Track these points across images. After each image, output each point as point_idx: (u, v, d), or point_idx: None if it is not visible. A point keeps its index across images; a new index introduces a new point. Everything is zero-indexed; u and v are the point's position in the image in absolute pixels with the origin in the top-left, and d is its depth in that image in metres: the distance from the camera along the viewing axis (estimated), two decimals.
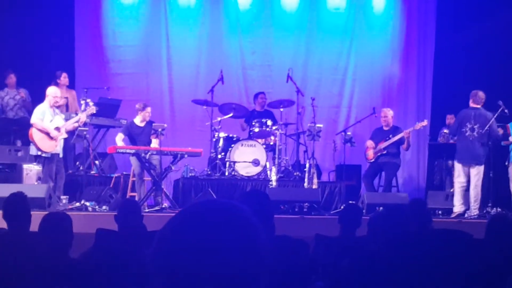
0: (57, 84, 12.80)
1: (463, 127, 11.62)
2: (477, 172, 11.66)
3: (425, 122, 12.98)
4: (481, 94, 11.74)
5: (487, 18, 14.58)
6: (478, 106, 11.70)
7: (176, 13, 15.27)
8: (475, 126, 11.52)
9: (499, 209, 11.98)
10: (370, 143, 13.08)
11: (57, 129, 11.39)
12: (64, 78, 13.35)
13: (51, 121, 11.40)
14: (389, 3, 15.68)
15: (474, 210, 11.58)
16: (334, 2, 15.52)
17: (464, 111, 11.78)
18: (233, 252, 1.72)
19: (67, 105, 13.16)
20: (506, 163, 12.69)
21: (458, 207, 11.58)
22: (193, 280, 1.69)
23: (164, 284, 1.74)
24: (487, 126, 11.55)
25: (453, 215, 11.53)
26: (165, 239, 1.78)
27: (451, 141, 12.72)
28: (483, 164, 11.75)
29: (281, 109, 13.66)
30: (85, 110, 11.81)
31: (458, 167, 11.80)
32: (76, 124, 11.69)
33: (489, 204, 12.27)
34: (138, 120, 12.43)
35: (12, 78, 13.34)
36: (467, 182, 11.71)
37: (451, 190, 12.43)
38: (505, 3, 14.59)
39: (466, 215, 11.59)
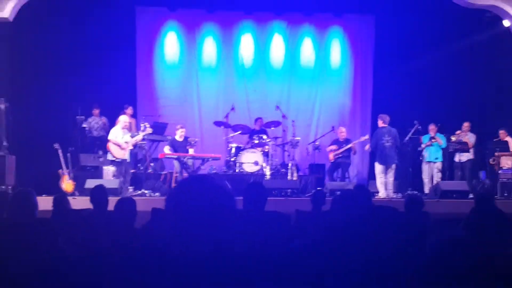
0: (124, 113, 12.87)
1: (381, 140, 11.62)
2: (393, 168, 11.72)
3: (366, 136, 12.97)
4: (387, 117, 11.86)
5: (413, 60, 14.61)
6: (387, 125, 11.75)
7: (202, 68, 15.29)
8: (389, 139, 11.59)
9: (415, 192, 12.01)
10: (333, 147, 13.18)
11: (126, 143, 11.44)
12: (130, 110, 13.41)
13: (122, 138, 11.45)
14: (343, 61, 15.66)
15: (391, 192, 11.61)
16: (306, 62, 15.53)
17: (379, 130, 11.82)
18: (215, 200, 2.03)
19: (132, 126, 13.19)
20: (420, 158, 12.78)
21: (383, 194, 11.55)
22: (191, 216, 2.02)
23: (174, 219, 2.08)
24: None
25: (380, 197, 11.48)
26: (173, 194, 2.12)
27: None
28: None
29: (272, 128, 13.69)
30: (144, 130, 11.85)
31: (380, 168, 11.74)
32: (136, 140, 11.74)
33: (409, 189, 12.31)
34: (177, 137, 12.48)
35: (96, 110, 13.39)
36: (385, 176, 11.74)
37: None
38: (425, 44, 14.58)
39: (394, 196, 11.58)
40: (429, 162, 12.70)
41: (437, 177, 12.55)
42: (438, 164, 12.70)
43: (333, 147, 13.22)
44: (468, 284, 2.57)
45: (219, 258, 1.98)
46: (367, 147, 12.57)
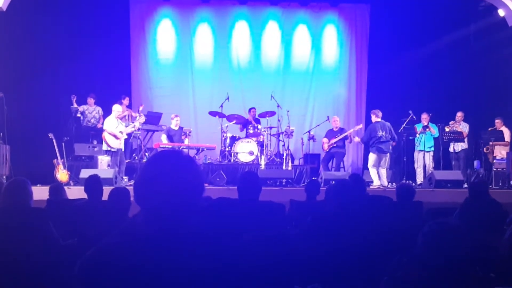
0: (121, 103, 12.85)
1: (376, 134, 11.57)
2: (387, 158, 11.72)
3: (360, 126, 12.98)
4: (379, 112, 11.82)
5: (408, 49, 14.65)
6: (380, 120, 11.71)
7: (197, 57, 15.26)
8: (383, 133, 11.55)
9: (409, 181, 12.04)
10: (325, 139, 13.14)
11: (120, 132, 11.43)
12: (126, 101, 13.38)
13: (116, 127, 11.44)
14: (338, 50, 15.64)
15: (386, 182, 11.62)
16: (300, 52, 15.53)
17: (373, 125, 11.74)
18: (184, 173, 2.02)
19: (129, 116, 13.18)
20: (417, 145, 12.80)
21: (378, 183, 11.56)
22: (161, 192, 2.00)
23: (141, 198, 2.09)
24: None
25: (375, 186, 11.47)
26: (144, 169, 2.07)
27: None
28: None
29: (267, 118, 13.67)
30: (138, 120, 11.87)
31: (374, 157, 11.66)
32: (133, 129, 11.76)
33: (404, 178, 12.34)
34: (173, 126, 12.50)
35: (91, 99, 13.34)
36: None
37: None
38: (413, 44, 14.61)
39: (388, 186, 11.60)
40: (422, 151, 12.73)
41: (430, 166, 12.58)
42: (431, 153, 12.74)
43: (325, 140, 13.21)
44: (460, 272, 2.59)
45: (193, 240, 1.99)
46: (357, 138, 12.59)
